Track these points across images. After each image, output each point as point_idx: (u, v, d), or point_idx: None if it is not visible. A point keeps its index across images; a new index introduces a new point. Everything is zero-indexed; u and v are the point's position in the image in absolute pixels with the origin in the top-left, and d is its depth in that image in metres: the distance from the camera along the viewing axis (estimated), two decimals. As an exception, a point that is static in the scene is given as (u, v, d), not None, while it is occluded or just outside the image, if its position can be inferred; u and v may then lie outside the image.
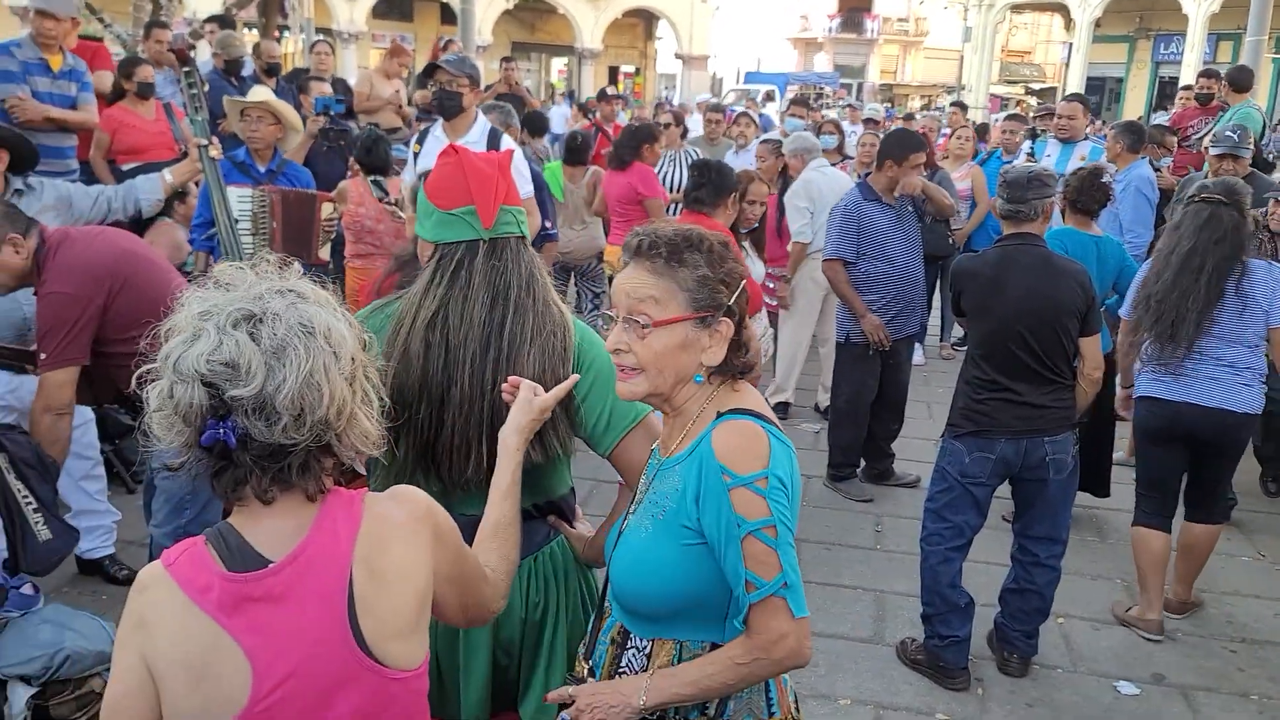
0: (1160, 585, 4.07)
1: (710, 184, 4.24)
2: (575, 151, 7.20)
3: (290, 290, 1.35)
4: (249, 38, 16.66)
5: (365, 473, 1.48)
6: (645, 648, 1.78)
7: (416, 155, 4.97)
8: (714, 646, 1.72)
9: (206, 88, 4.82)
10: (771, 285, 6.38)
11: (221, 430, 1.28)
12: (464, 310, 1.94)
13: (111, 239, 3.40)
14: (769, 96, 29.03)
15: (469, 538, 1.61)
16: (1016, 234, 3.71)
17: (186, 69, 4.18)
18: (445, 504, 1.62)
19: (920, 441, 6.04)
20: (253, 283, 1.35)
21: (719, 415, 1.71)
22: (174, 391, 1.29)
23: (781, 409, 6.52)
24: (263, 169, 5.00)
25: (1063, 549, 3.75)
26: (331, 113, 6.30)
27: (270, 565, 1.33)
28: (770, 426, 1.72)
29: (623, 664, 1.81)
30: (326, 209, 4.89)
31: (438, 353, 1.92)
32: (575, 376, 1.94)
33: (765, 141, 7.00)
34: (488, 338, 1.93)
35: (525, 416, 1.83)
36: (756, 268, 4.81)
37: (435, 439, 1.94)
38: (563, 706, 1.79)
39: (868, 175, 5.37)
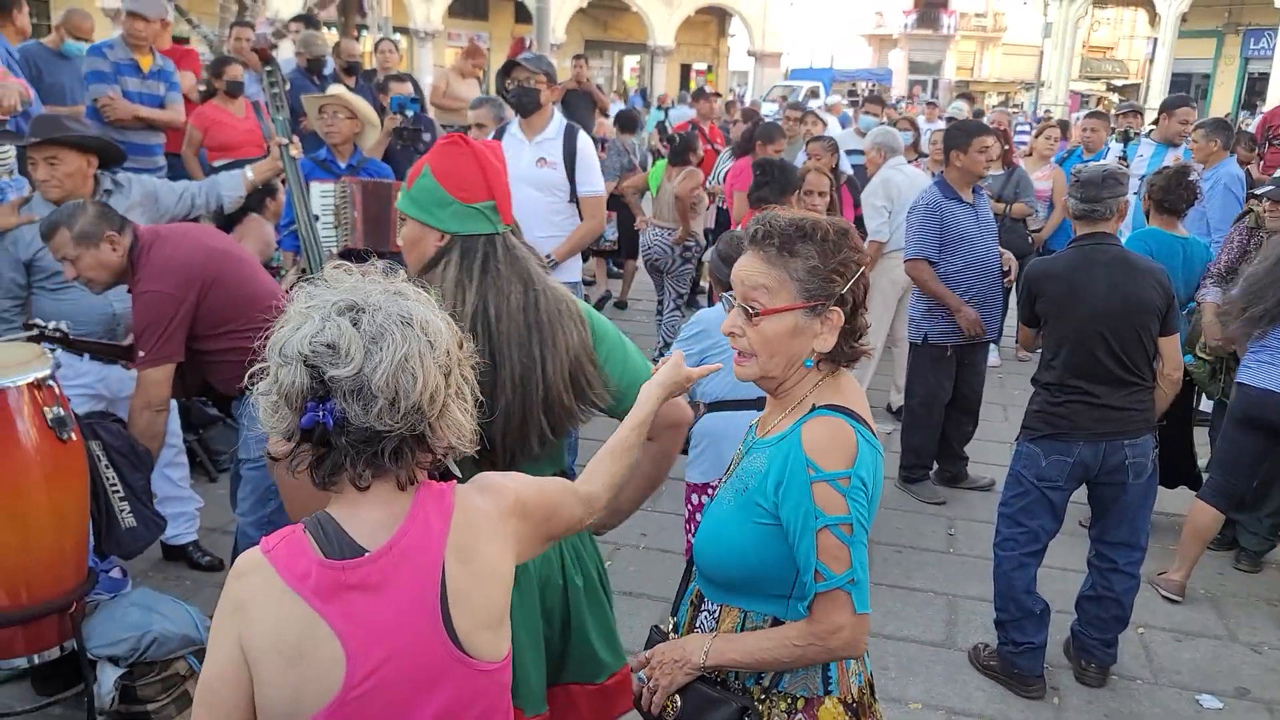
0: (1195, 557, 4.33)
1: (774, 182, 4.21)
2: (678, 152, 7.30)
3: (392, 289, 1.41)
4: (329, 37, 16.98)
5: (459, 475, 1.50)
6: (715, 612, 1.89)
7: None
8: (775, 621, 1.80)
9: (288, 86, 4.93)
10: None
11: (321, 412, 1.32)
12: (499, 300, 2.05)
13: (200, 237, 3.51)
14: (813, 94, 28.24)
15: None
16: (1092, 234, 3.61)
17: (268, 68, 4.28)
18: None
19: (995, 444, 5.93)
20: (357, 281, 1.42)
21: (814, 408, 1.77)
22: (279, 375, 1.34)
23: None
24: (343, 165, 5.11)
25: (1142, 555, 3.66)
26: (408, 111, 6.41)
27: (367, 554, 1.36)
28: (861, 427, 1.76)
29: (697, 625, 1.93)
30: None
31: (482, 344, 2.00)
32: (717, 365, 2.11)
33: (819, 140, 6.93)
34: (529, 321, 2.06)
35: (673, 376, 1.95)
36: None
37: (489, 424, 2.01)
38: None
39: (943, 173, 5.29)
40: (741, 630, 1.83)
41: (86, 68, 5.81)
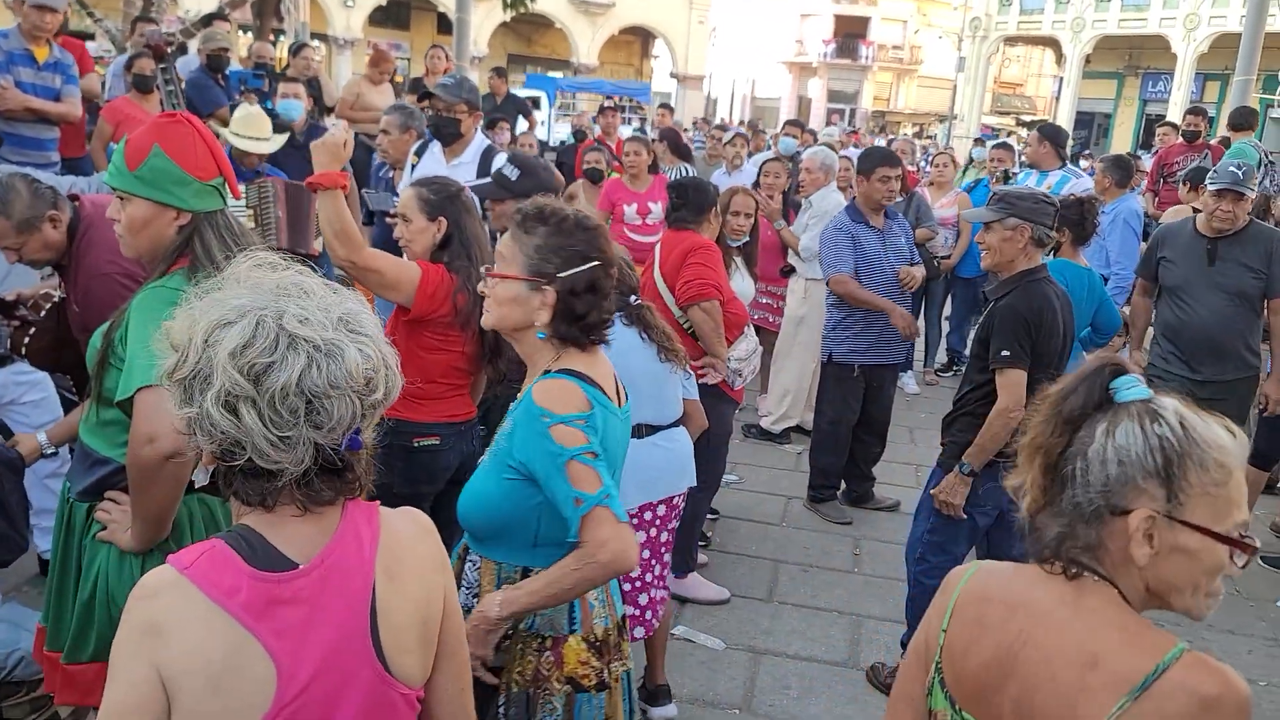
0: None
1: (689, 202, 4.19)
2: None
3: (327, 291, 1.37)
4: (243, 40, 16.58)
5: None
6: (477, 563, 2.12)
7: (414, 166, 4.90)
8: (525, 571, 2.03)
9: (183, 85, 4.75)
10: (765, 301, 6.35)
11: (358, 437, 1.33)
12: None
13: None
14: (534, 104, 26.08)
15: None
16: (1040, 266, 3.52)
17: (162, 65, 4.13)
18: None
19: (901, 466, 6.01)
20: (323, 290, 1.35)
21: (546, 372, 2.03)
22: (335, 409, 1.27)
23: (783, 433, 6.47)
24: (250, 172, 4.96)
25: None
26: (246, 86, 6.18)
27: (299, 568, 1.30)
28: (595, 391, 2.01)
29: (464, 575, 2.13)
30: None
31: None
32: None
33: (777, 160, 6.93)
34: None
35: None
36: (745, 284, 4.75)
37: None
38: None
39: (854, 200, 5.36)
40: (499, 580, 2.04)
41: (-23, 56, 5.55)
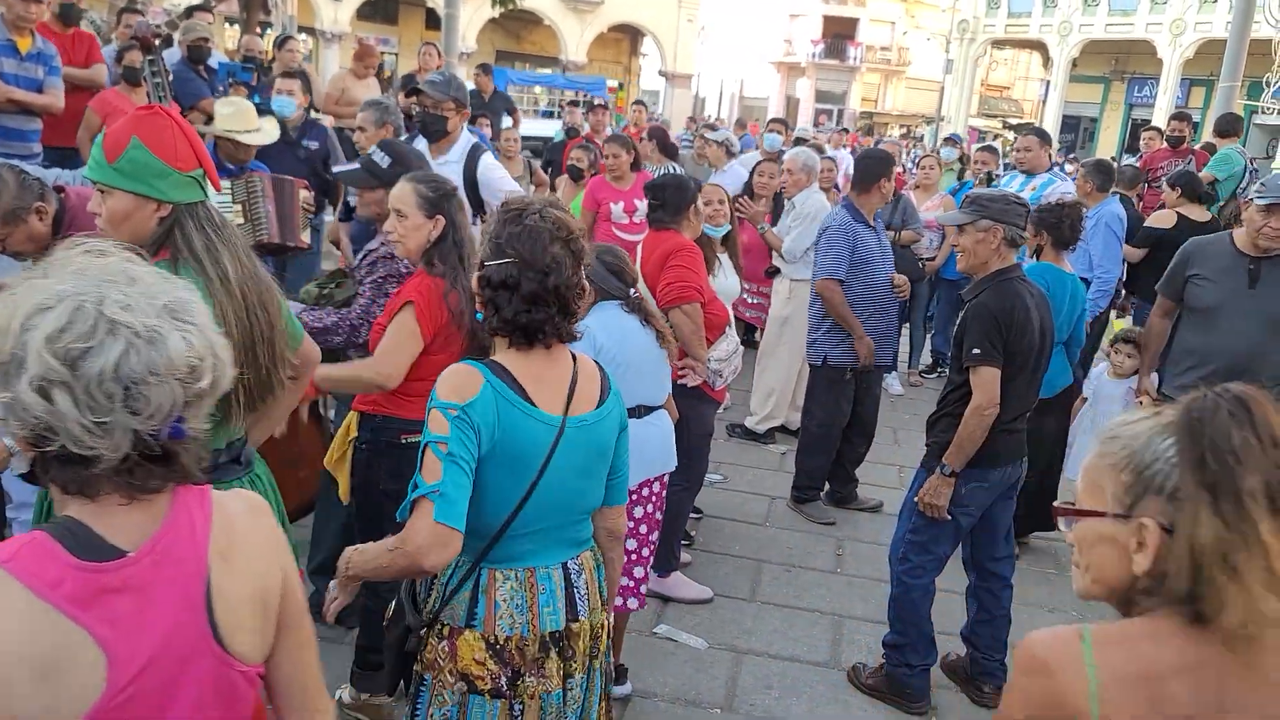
0: None
1: (667, 203, 4.18)
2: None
3: (125, 273, 1.33)
4: (229, 33, 16.50)
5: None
6: None
7: None
8: None
9: (171, 77, 4.71)
10: (756, 301, 6.33)
11: (181, 425, 1.29)
12: (235, 263, 2.19)
13: None
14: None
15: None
16: (1013, 265, 3.55)
17: (150, 58, 4.10)
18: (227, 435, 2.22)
19: (884, 466, 6.03)
20: (151, 275, 1.33)
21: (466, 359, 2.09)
22: (153, 395, 1.25)
23: (767, 433, 6.47)
24: (234, 166, 4.93)
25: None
26: (235, 78, 6.13)
27: (129, 555, 1.29)
28: (499, 383, 1.99)
29: None
30: (303, 195, 4.84)
31: (239, 304, 2.17)
32: None
33: (770, 160, 6.89)
34: (259, 283, 2.24)
35: None
36: (730, 282, 4.74)
37: (255, 376, 2.21)
38: None
39: (851, 197, 5.33)
40: None
41: (-42, 46, 5.50)
